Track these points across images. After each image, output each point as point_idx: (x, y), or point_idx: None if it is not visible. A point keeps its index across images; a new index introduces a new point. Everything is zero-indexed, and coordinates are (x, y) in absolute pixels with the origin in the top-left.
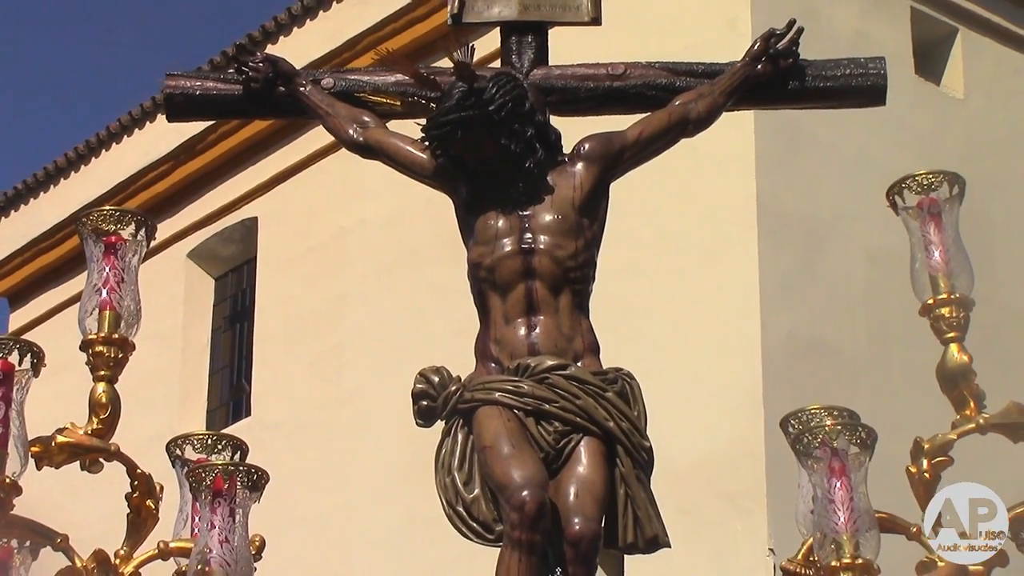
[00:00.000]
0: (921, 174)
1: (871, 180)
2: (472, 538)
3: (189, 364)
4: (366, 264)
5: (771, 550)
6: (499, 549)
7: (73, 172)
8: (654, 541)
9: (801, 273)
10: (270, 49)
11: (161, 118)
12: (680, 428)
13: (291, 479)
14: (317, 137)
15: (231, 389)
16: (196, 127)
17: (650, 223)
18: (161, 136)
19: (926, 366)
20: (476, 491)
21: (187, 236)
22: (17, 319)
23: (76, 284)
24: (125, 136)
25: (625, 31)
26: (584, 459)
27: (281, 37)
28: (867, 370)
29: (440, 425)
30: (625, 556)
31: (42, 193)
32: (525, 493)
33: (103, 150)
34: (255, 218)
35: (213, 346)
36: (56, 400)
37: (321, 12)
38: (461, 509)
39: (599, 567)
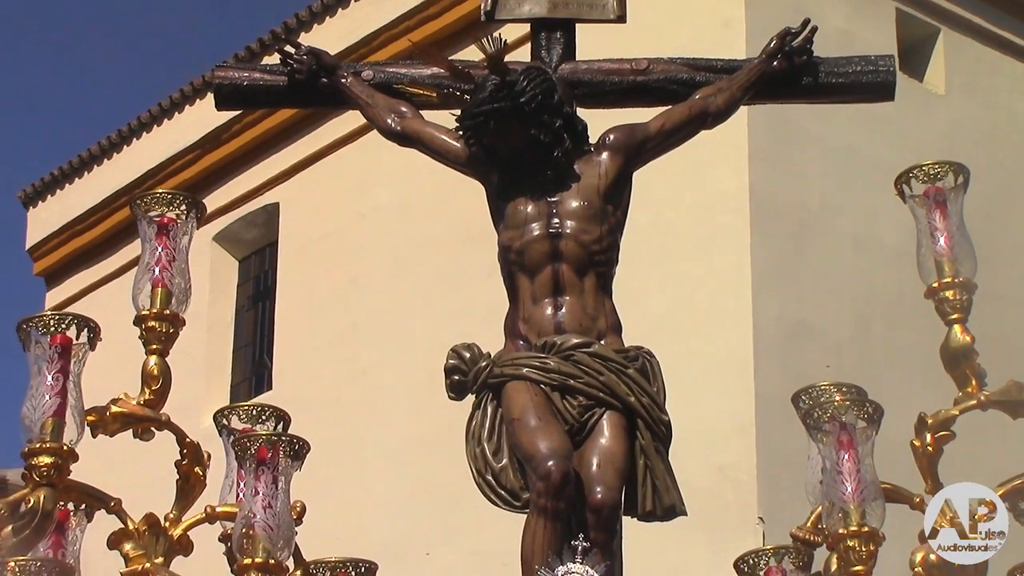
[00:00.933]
0: (928, 164)
1: (857, 171)
2: (500, 505)
3: (214, 341)
4: (381, 248)
5: (760, 519)
6: (521, 516)
7: (106, 159)
8: (671, 509)
9: (790, 259)
10: None
11: (189, 109)
12: (675, 404)
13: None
14: (336, 127)
15: (253, 364)
16: (221, 118)
17: (648, 211)
18: (189, 126)
19: (906, 347)
20: (504, 461)
21: (213, 220)
22: (53, 297)
23: (108, 265)
24: (155, 125)
25: (620, 30)
26: (606, 432)
27: (302, 33)
28: (851, 350)
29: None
30: (622, 523)
31: (77, 179)
32: (551, 463)
33: (134, 138)
34: (277, 204)
35: (237, 324)
36: (89, 373)
37: (340, 10)
38: (490, 478)
39: None
